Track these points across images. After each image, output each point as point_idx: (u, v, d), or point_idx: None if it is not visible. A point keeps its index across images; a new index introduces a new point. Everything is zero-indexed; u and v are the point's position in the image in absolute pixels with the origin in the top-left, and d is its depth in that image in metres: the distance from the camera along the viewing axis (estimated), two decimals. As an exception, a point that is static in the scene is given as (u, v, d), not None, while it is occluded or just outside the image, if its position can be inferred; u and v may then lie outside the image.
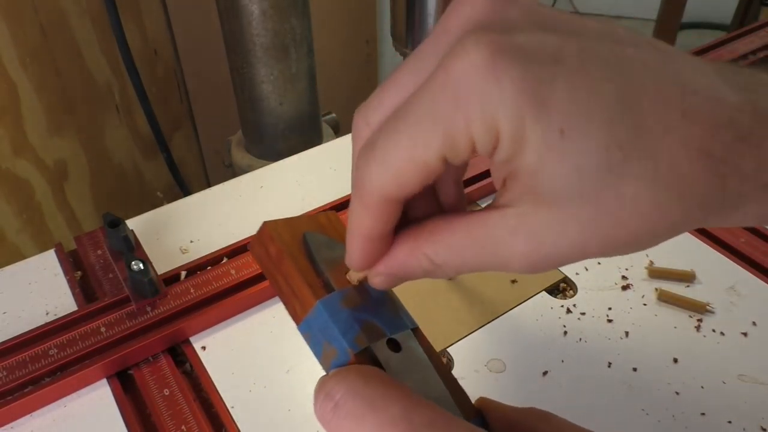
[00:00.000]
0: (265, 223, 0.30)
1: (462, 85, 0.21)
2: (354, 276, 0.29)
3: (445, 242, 0.25)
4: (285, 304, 0.30)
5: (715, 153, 0.21)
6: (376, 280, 0.28)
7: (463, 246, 0.25)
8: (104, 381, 0.47)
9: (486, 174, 0.62)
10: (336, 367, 0.27)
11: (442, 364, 0.29)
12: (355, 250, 0.27)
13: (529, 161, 0.21)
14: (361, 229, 0.26)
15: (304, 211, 0.58)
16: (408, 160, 0.23)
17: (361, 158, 0.24)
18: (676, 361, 0.47)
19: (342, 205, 0.59)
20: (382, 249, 0.27)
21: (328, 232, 0.32)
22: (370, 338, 0.28)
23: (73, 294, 0.53)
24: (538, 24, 0.22)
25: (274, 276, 0.30)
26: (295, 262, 0.29)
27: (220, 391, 0.46)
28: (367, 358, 0.27)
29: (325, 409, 0.25)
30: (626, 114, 0.21)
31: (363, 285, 0.29)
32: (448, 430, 0.23)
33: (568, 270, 0.54)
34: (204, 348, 0.49)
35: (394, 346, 0.29)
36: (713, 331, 0.49)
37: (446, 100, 0.21)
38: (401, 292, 0.31)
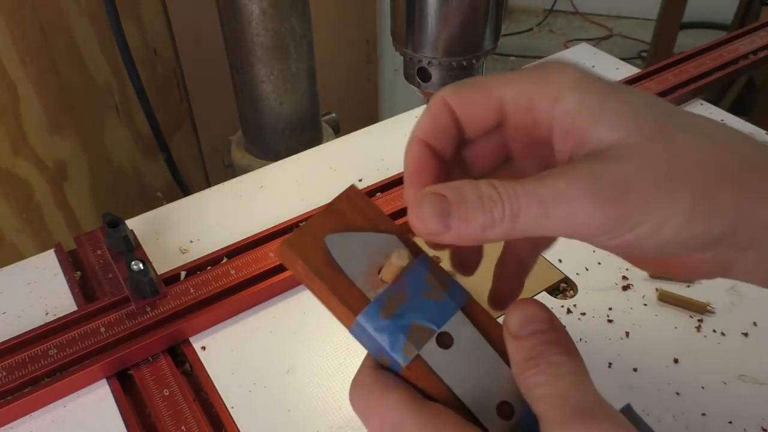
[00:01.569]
0: (283, 244, 0.29)
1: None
2: (391, 268, 0.28)
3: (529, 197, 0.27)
4: (331, 313, 0.29)
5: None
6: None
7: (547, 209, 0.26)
8: (104, 381, 0.47)
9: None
10: (394, 371, 0.27)
11: (502, 340, 0.27)
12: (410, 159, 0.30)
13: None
14: (417, 132, 0.30)
15: (304, 211, 0.58)
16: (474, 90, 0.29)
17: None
18: (676, 361, 0.47)
19: (342, 205, 0.59)
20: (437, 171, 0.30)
21: (351, 217, 0.30)
22: (418, 344, 0.27)
23: (73, 294, 0.53)
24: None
25: (310, 288, 0.29)
26: (324, 279, 0.28)
27: (220, 391, 0.46)
28: (420, 365, 0.27)
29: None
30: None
31: (399, 279, 0.28)
32: None
33: (569, 270, 0.54)
34: (204, 348, 0.49)
35: (446, 340, 0.28)
36: (714, 331, 0.49)
37: None
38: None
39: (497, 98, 0.29)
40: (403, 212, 0.58)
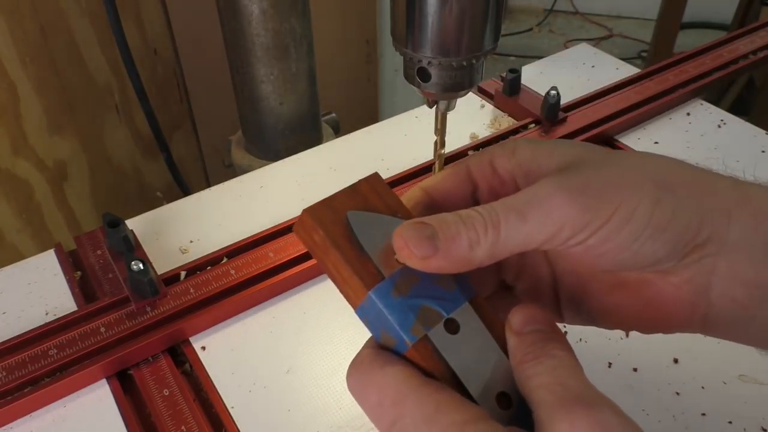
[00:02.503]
0: (305, 212, 0.29)
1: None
2: None
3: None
4: (339, 289, 0.30)
5: None
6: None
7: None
8: (104, 381, 0.47)
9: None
10: (396, 353, 0.28)
11: (502, 333, 0.29)
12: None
13: None
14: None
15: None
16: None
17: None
18: (676, 361, 0.47)
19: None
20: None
21: (372, 200, 0.31)
22: (426, 325, 0.28)
23: (73, 294, 0.53)
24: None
25: (324, 262, 0.30)
26: (341, 250, 0.28)
27: (220, 391, 0.46)
28: (426, 345, 0.27)
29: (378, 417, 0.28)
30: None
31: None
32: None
33: (569, 270, 0.54)
34: (204, 348, 0.49)
35: (453, 326, 0.28)
36: (714, 331, 0.49)
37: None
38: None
39: (464, 169, 0.33)
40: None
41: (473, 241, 0.27)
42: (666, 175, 0.29)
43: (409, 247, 0.27)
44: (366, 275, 0.28)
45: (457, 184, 0.32)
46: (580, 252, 0.28)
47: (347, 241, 0.29)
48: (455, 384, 0.27)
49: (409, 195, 0.32)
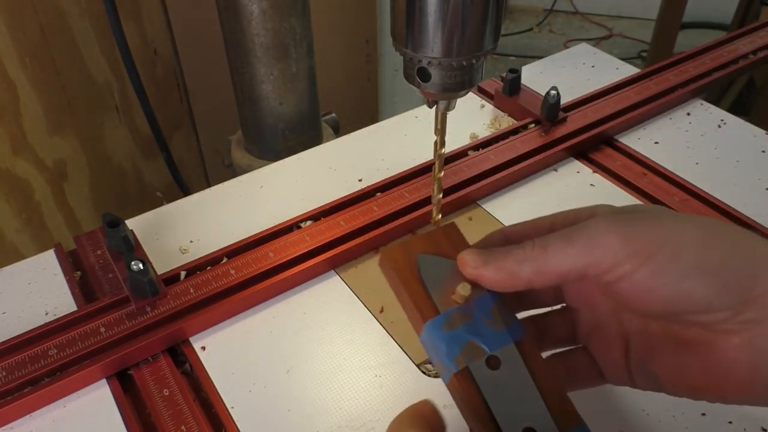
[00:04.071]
0: (384, 252, 0.35)
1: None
2: (459, 294, 0.33)
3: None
4: (408, 319, 0.35)
5: None
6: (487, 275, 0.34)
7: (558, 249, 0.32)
8: (104, 381, 0.47)
9: (486, 174, 0.62)
10: (444, 380, 0.32)
11: (546, 378, 0.31)
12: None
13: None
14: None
15: (304, 211, 0.58)
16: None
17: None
18: (676, 361, 0.47)
19: (341, 205, 0.59)
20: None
21: (443, 246, 0.35)
22: (468, 358, 0.31)
23: (73, 294, 0.53)
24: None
25: (396, 295, 0.35)
26: (408, 287, 0.34)
27: (220, 391, 0.46)
28: (466, 376, 0.31)
29: None
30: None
31: (469, 303, 0.33)
32: None
33: (569, 270, 0.54)
34: (204, 348, 0.49)
35: (494, 362, 0.32)
36: (714, 331, 0.49)
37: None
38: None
39: (548, 221, 0.35)
40: (402, 212, 0.58)
41: (521, 257, 0.31)
42: (713, 226, 0.31)
43: (465, 259, 0.32)
44: (426, 310, 0.33)
45: (536, 230, 0.35)
46: (631, 289, 0.30)
47: (415, 281, 0.34)
48: (488, 414, 0.30)
49: (488, 235, 0.36)
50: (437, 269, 0.34)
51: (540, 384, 0.31)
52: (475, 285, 0.33)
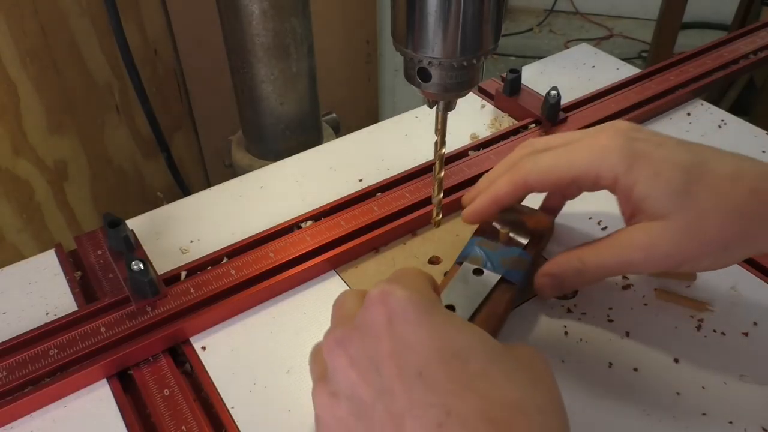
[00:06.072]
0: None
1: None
2: (503, 233, 0.50)
3: (591, 247, 0.44)
4: None
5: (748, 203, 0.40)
6: (542, 280, 0.47)
7: (602, 248, 0.43)
8: (104, 381, 0.47)
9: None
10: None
11: (489, 310, 0.45)
12: (479, 203, 0.47)
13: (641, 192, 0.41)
14: (497, 191, 0.46)
15: (305, 211, 0.58)
16: (555, 167, 0.44)
17: (529, 156, 0.46)
18: (677, 361, 0.47)
19: (342, 205, 0.59)
20: (493, 214, 0.49)
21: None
22: (468, 260, 0.48)
23: (73, 294, 0.53)
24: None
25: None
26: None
27: (220, 391, 0.46)
28: (457, 268, 0.48)
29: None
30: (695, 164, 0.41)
31: (507, 243, 0.49)
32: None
33: (569, 270, 0.54)
34: (204, 348, 0.49)
35: (478, 274, 0.47)
36: (714, 331, 0.49)
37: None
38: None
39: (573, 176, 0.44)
40: (403, 212, 0.58)
41: (577, 269, 0.45)
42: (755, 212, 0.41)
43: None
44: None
45: (561, 186, 0.46)
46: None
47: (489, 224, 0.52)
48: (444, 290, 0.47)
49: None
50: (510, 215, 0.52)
51: (481, 307, 0.45)
52: (512, 238, 0.50)
